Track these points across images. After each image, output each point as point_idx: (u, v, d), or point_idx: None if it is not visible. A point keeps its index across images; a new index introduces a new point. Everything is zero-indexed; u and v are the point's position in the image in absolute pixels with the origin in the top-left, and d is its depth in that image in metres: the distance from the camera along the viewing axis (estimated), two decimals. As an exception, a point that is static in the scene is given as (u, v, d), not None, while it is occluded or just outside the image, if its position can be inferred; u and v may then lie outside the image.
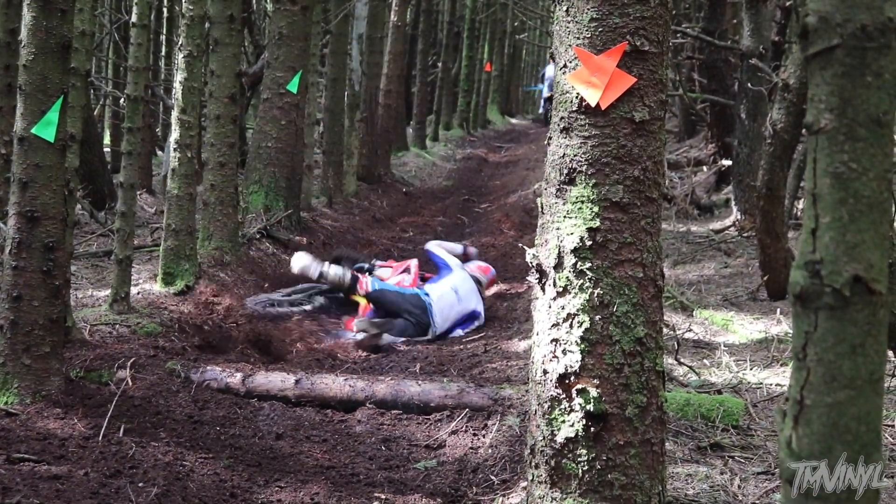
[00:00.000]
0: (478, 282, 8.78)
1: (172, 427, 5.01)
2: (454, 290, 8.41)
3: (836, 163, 1.62)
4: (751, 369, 6.24)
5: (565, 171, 3.26)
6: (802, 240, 1.66)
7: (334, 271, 8.31)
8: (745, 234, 10.93)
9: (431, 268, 9.26)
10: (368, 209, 14.84)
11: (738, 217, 11.39)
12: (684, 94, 13.89)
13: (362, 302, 8.36)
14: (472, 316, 8.51)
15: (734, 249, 10.66)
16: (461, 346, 7.59)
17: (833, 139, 1.62)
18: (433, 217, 15.17)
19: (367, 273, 8.86)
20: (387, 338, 7.81)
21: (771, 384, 5.83)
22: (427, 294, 8.27)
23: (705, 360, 6.50)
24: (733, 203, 11.73)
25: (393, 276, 8.91)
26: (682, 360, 6.18)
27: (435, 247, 9.25)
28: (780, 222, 8.03)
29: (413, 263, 9.13)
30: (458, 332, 8.33)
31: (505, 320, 8.57)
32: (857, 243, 1.60)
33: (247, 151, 12.30)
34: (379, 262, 9.41)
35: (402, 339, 7.90)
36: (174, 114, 7.87)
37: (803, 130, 7.57)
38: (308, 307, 8.43)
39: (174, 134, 7.75)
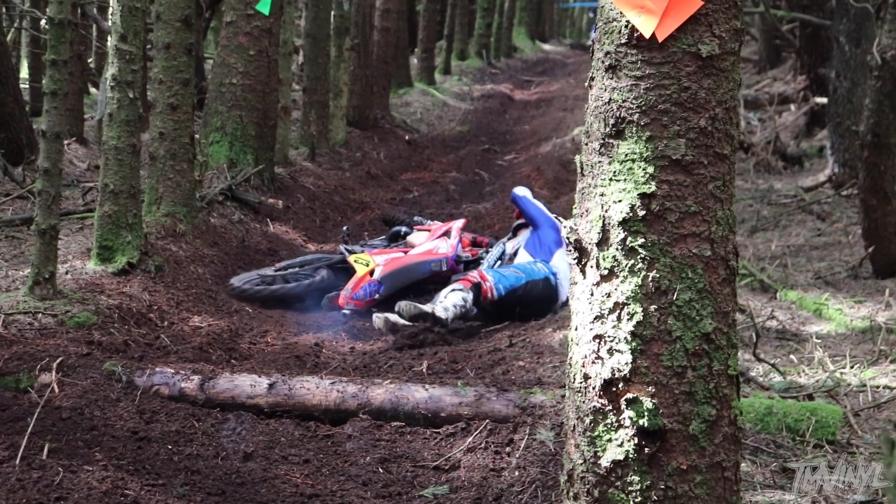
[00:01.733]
0: None
1: (111, 446, 5.02)
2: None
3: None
4: (851, 367, 6.23)
5: (612, 122, 3.25)
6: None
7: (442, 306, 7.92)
8: (845, 193, 10.89)
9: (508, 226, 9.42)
10: (362, 162, 14.84)
11: (836, 171, 11.36)
12: (766, 11, 13.81)
13: (360, 270, 8.38)
14: None
15: (830, 212, 10.64)
16: (479, 340, 7.60)
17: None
18: (444, 172, 15.17)
19: (403, 241, 9.20)
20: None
21: (877, 386, 5.83)
22: (554, 273, 8.25)
23: (792, 356, 6.50)
24: (829, 153, 11.69)
25: (428, 242, 8.99)
26: (762, 355, 6.17)
27: (528, 195, 9.20)
28: (889, 178, 8.01)
29: (456, 226, 9.19)
30: None
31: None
32: None
33: (206, 90, 12.29)
34: (417, 226, 9.51)
35: None
36: (111, 42, 7.85)
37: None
38: (307, 282, 8.51)
39: (112, 68, 7.72)
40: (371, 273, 8.43)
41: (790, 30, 16.46)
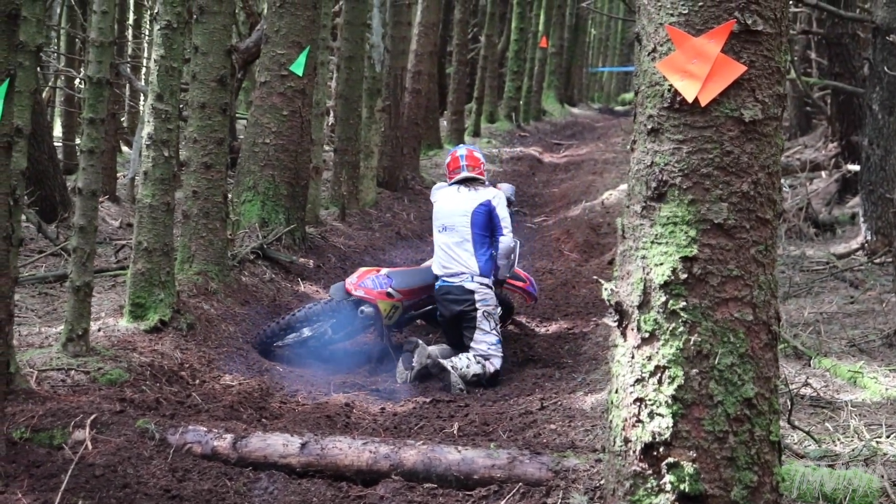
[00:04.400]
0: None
1: None
2: (439, 229, 8.77)
3: None
4: (887, 436, 6.18)
5: (654, 184, 3.26)
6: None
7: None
8: (878, 261, 10.84)
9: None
10: (391, 223, 14.87)
11: (868, 238, 11.32)
12: (798, 78, 13.84)
13: (366, 267, 8.89)
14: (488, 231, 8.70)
15: (863, 280, 10.58)
16: (511, 402, 7.58)
17: None
18: (473, 234, 15.16)
19: None
20: None
21: (914, 457, 5.77)
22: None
23: (827, 424, 6.45)
24: (861, 219, 11.65)
25: None
26: (796, 423, 6.13)
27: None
28: (924, 245, 7.99)
29: None
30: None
31: (566, 368, 8.55)
32: None
33: (238, 149, 12.37)
34: None
35: None
36: (147, 101, 7.92)
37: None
38: (319, 304, 8.63)
39: (147, 127, 7.79)
40: (378, 270, 8.92)
41: (821, 97, 16.50)
